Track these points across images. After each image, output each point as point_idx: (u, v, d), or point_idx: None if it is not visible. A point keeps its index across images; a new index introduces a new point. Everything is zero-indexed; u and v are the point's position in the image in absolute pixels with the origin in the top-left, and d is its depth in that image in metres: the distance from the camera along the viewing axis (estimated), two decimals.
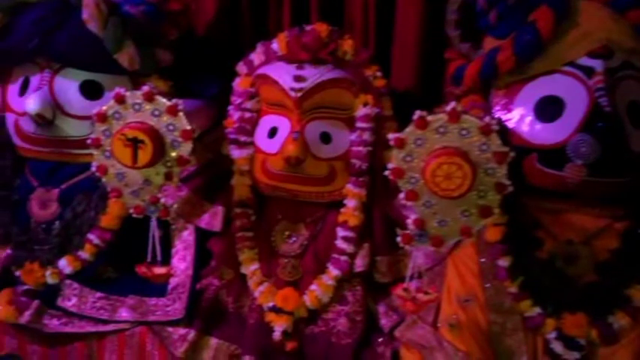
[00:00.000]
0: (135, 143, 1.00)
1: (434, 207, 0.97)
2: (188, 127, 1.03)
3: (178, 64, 1.30)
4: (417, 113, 0.93)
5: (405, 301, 1.03)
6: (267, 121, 1.24)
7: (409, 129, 0.94)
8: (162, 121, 1.03)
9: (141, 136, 1.00)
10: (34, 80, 1.23)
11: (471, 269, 1.15)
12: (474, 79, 1.13)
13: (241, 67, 1.28)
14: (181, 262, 1.27)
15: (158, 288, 1.25)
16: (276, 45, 1.24)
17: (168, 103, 1.02)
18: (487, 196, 0.94)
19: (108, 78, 1.24)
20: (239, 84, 1.26)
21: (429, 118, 0.92)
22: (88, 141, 1.06)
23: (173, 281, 1.25)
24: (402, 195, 0.98)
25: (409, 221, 0.99)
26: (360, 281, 1.24)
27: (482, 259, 1.13)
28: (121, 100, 1.02)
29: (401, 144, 0.94)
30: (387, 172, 0.97)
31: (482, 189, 0.94)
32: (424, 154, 0.94)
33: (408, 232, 0.99)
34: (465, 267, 1.16)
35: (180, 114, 1.03)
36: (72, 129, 1.23)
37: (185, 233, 1.29)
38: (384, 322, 1.21)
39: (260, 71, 1.22)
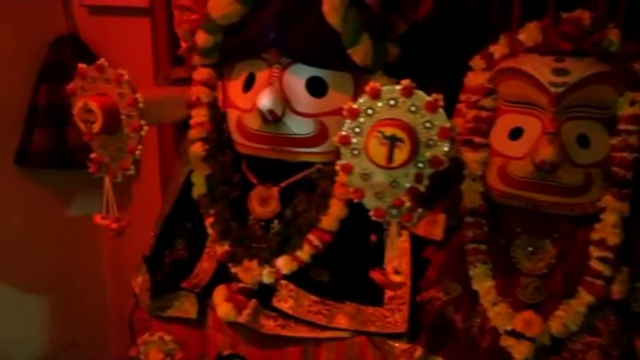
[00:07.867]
0: (392, 142, 0.92)
1: None
2: (447, 125, 0.93)
3: (402, 59, 1.22)
4: None
5: None
6: (507, 121, 1.10)
7: None
8: (419, 117, 0.94)
9: (399, 134, 0.92)
10: (262, 76, 1.21)
11: None
12: None
13: (477, 61, 1.16)
14: None
15: (373, 296, 1.17)
16: (524, 35, 1.10)
17: (428, 99, 0.93)
18: None
19: (331, 74, 1.18)
20: (474, 79, 1.15)
21: None
22: (335, 138, 1.00)
23: (389, 290, 1.17)
24: None
25: None
26: (615, 310, 1.06)
27: None
28: (376, 94, 0.95)
29: None
30: None
31: None
32: None
33: None
34: None
35: (440, 110, 0.93)
36: (297, 126, 1.19)
37: (400, 240, 1.21)
38: None
39: (505, 65, 1.10)
